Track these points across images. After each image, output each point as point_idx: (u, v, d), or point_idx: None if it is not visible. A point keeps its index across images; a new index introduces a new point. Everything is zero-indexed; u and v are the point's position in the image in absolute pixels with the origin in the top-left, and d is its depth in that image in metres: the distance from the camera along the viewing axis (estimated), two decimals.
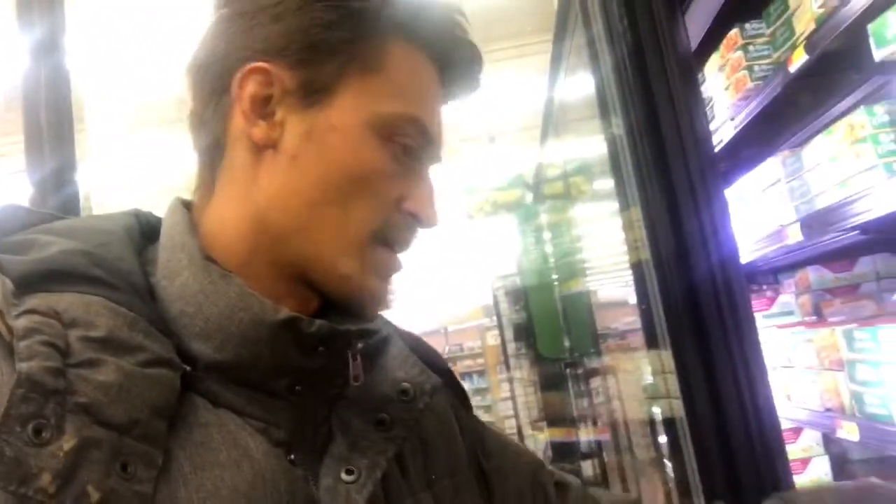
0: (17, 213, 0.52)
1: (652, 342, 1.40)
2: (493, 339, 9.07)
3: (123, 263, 0.50)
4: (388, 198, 0.54)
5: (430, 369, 0.64)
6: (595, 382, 2.63)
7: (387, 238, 0.54)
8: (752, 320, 1.33)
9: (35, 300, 0.43)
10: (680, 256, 1.33)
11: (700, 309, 1.32)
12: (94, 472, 0.39)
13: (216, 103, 0.54)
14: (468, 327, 10.24)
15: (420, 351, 0.65)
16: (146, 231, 0.57)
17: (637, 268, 1.42)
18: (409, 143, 0.54)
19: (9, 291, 0.42)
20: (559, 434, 3.41)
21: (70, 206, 0.93)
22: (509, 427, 8.10)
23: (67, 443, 0.39)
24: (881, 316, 1.55)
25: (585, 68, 2.11)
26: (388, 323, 0.65)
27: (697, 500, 1.32)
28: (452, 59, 0.57)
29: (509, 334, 5.96)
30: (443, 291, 10.05)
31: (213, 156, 0.55)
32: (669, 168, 1.34)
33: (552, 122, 2.59)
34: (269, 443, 0.50)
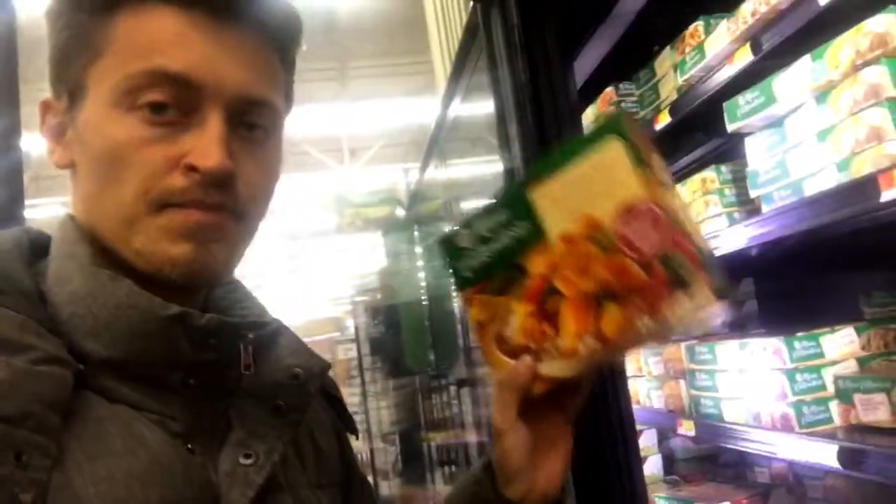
0: None
1: None
2: (343, 353, 9.06)
3: (11, 270, 0.52)
4: (154, 164, 0.51)
5: (327, 392, 0.71)
6: (464, 392, 2.81)
7: (170, 202, 0.52)
8: None
9: None
10: None
11: None
12: None
13: None
14: (318, 340, 10.12)
15: (326, 380, 0.69)
16: (34, 247, 0.59)
17: None
18: (155, 98, 0.51)
19: None
20: (439, 439, 3.53)
21: (14, 173, 0.91)
22: (357, 441, 8.11)
23: None
24: (713, 335, 1.87)
25: (480, 101, 2.31)
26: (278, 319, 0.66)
27: (568, 490, 1.52)
28: None
29: (365, 348, 6.04)
30: (294, 302, 9.88)
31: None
32: None
33: (438, 145, 2.76)
34: (166, 433, 0.51)
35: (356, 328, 5.88)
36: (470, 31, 1.79)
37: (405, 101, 7.22)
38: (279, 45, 0.58)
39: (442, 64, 5.58)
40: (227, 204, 0.53)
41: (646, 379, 1.85)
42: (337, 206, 4.04)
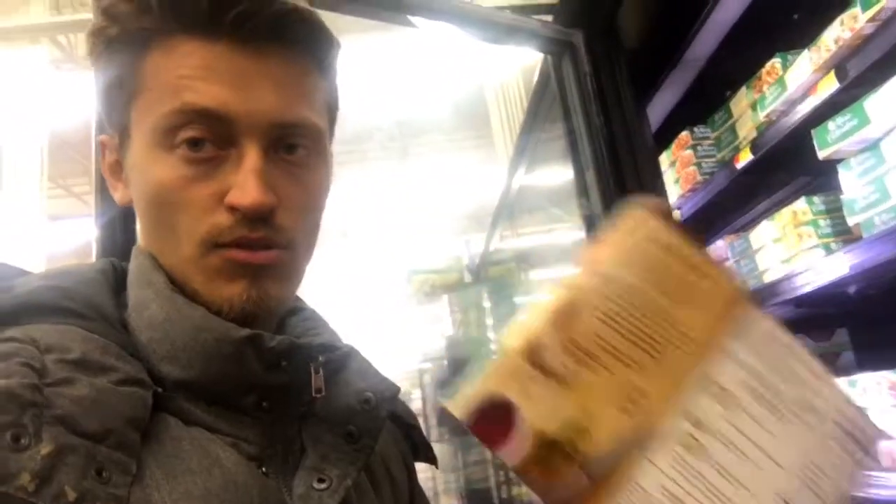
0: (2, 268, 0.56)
1: None
2: None
3: (96, 297, 0.53)
4: (200, 203, 0.51)
5: (401, 420, 0.71)
6: None
7: (218, 242, 0.52)
8: None
9: (13, 331, 0.47)
10: None
11: None
12: (70, 475, 0.41)
13: None
14: None
15: (399, 406, 0.69)
16: (121, 278, 0.60)
17: None
18: (191, 135, 0.51)
19: None
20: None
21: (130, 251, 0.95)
22: None
23: (45, 448, 0.41)
24: None
25: (549, 161, 2.35)
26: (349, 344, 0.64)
27: None
28: (201, 21, 0.51)
29: (433, 419, 5.93)
30: None
31: None
32: None
33: (506, 210, 2.79)
34: (241, 456, 0.52)
35: (423, 399, 5.81)
36: (541, 84, 1.84)
37: (466, 175, 7.40)
38: (312, 57, 0.56)
39: (503, 136, 5.72)
40: (272, 237, 0.52)
41: None
42: (405, 273, 4.09)
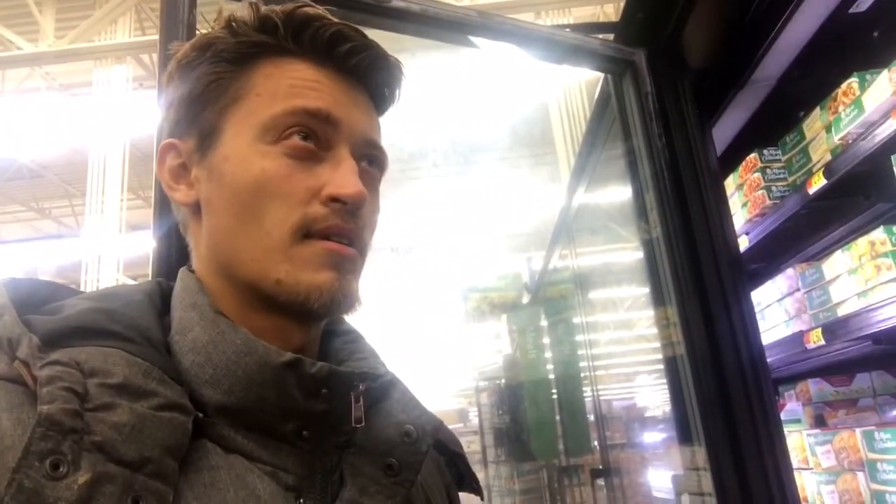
0: (47, 286, 0.58)
1: (685, 437, 1.46)
2: (465, 445, 8.84)
3: (141, 320, 0.54)
4: (297, 194, 0.55)
5: (446, 448, 0.69)
6: (600, 482, 2.63)
7: (311, 231, 0.55)
8: (778, 420, 1.42)
9: (58, 353, 0.47)
10: (713, 352, 1.42)
11: (731, 405, 1.40)
12: None
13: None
14: None
15: (443, 433, 0.68)
16: (168, 299, 0.60)
17: (671, 363, 1.50)
18: (298, 139, 0.56)
19: (35, 346, 0.46)
20: None
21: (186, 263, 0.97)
22: None
23: (82, 477, 0.42)
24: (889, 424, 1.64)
25: (609, 180, 2.30)
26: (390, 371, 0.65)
27: None
28: (318, 48, 0.59)
29: (489, 440, 5.86)
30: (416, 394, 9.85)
31: (184, 229, 0.64)
32: (702, 268, 1.47)
33: (565, 229, 2.74)
34: (279, 486, 0.52)
35: (479, 418, 5.75)
36: (601, 104, 1.80)
37: (528, 192, 7.34)
38: (383, 98, 0.65)
39: (566, 153, 5.66)
40: (357, 233, 0.57)
41: (814, 472, 1.63)
42: (463, 291, 4.08)
